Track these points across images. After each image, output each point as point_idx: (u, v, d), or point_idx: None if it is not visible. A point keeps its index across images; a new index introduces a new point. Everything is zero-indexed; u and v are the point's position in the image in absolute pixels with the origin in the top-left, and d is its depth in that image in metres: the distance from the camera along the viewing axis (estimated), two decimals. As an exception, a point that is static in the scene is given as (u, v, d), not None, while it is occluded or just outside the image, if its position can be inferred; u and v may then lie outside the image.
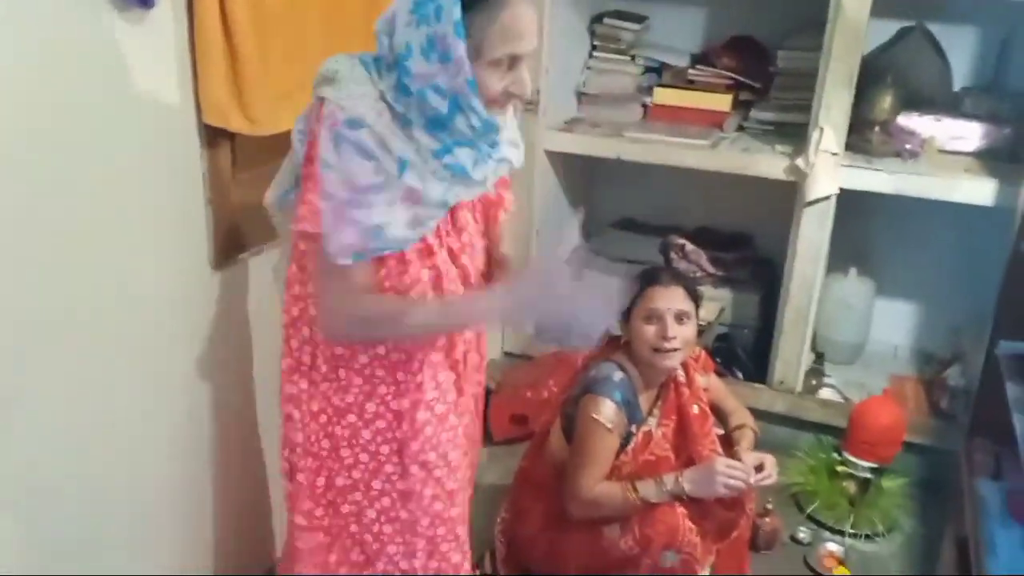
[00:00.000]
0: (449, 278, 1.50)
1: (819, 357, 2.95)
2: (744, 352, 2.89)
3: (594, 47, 3.04)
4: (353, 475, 1.57)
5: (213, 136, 1.68)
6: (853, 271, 2.91)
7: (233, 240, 1.78)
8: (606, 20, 2.99)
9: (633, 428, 2.03)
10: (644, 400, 2.07)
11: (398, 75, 1.36)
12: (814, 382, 2.84)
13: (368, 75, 1.39)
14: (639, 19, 2.98)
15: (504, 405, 2.78)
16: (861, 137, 2.61)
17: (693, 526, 2.01)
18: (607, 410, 1.97)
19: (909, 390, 2.85)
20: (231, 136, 1.72)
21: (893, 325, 3.08)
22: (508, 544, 2.18)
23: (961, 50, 2.80)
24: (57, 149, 1.38)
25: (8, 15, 1.27)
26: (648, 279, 2.06)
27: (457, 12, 1.29)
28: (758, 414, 2.79)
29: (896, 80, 2.60)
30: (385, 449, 1.56)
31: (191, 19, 1.58)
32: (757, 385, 2.81)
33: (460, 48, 1.31)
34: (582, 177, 3.27)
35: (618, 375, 2.02)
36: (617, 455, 2.03)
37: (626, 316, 2.05)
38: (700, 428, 2.10)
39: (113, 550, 1.61)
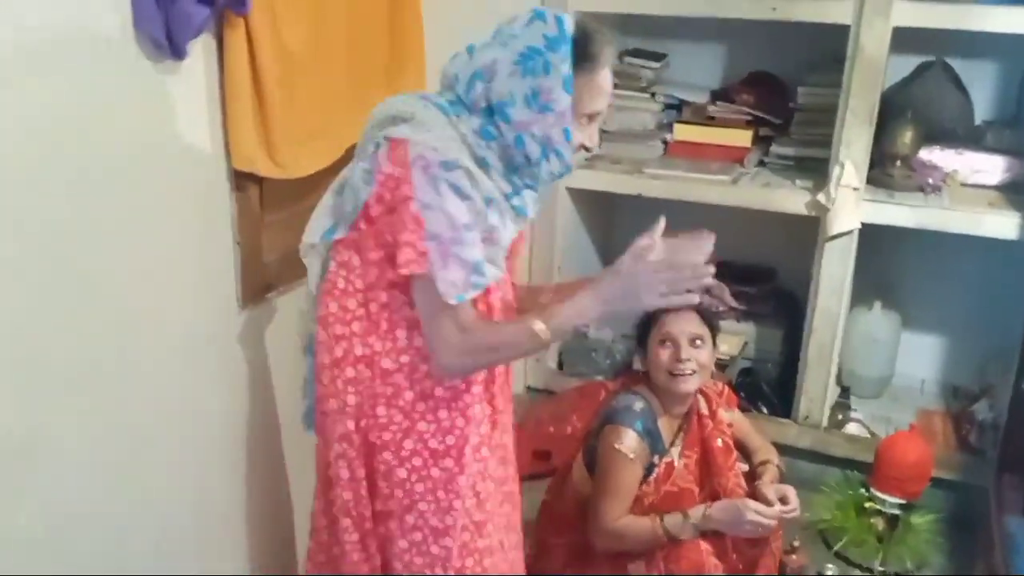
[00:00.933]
0: (496, 311, 1.57)
1: (845, 391, 2.93)
2: (768, 387, 2.88)
3: (615, 85, 3.05)
4: (389, 505, 1.59)
5: (242, 180, 1.73)
6: (878, 304, 2.90)
7: (261, 280, 1.82)
8: (626, 59, 3.03)
9: (656, 459, 2.03)
10: (666, 431, 2.08)
11: (482, 120, 1.45)
12: (840, 417, 2.82)
13: (446, 118, 1.45)
14: (658, 57, 3.02)
15: (527, 441, 2.77)
16: (883, 171, 2.62)
17: (719, 563, 2.00)
18: (629, 440, 1.98)
19: (936, 425, 2.82)
20: (259, 180, 1.77)
21: (919, 359, 3.06)
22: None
23: (982, 84, 2.81)
24: (92, 194, 1.43)
25: (48, 66, 1.32)
26: (662, 307, 2.07)
27: (567, 69, 1.41)
28: (783, 449, 2.77)
29: (917, 115, 2.61)
30: (420, 487, 1.57)
31: (221, 68, 1.63)
32: (782, 420, 2.79)
33: (565, 101, 1.42)
34: (604, 213, 3.30)
35: (639, 405, 2.03)
36: (639, 485, 2.03)
37: (642, 344, 2.07)
38: (724, 461, 2.10)
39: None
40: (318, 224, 1.56)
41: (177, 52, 1.53)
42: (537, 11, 1.44)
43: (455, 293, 1.42)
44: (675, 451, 2.08)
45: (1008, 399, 2.44)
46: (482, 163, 1.46)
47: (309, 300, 1.63)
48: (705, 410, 2.12)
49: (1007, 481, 2.42)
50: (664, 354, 2.03)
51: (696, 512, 1.98)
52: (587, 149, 1.54)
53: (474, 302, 1.49)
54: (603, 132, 3.03)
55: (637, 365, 2.09)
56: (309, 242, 1.58)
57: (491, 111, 1.46)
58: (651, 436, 2.02)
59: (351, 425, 1.56)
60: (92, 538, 1.52)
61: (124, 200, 1.49)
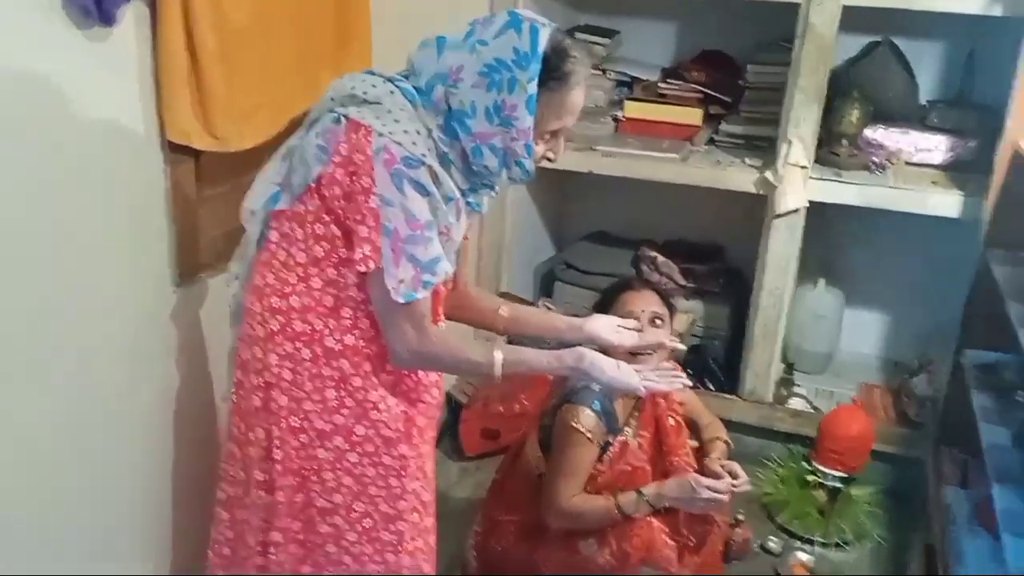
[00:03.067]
0: (440, 296, 1.56)
1: (789, 367, 2.97)
2: (715, 363, 2.91)
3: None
4: (334, 499, 1.56)
5: (177, 153, 1.67)
6: (822, 282, 2.94)
7: (197, 257, 1.77)
8: (577, 35, 3.00)
9: (611, 438, 2.03)
10: (620, 410, 2.07)
11: (446, 119, 1.42)
12: (784, 392, 2.86)
13: (413, 108, 1.42)
14: (610, 34, 3.00)
15: (475, 420, 2.77)
16: (830, 150, 2.64)
17: (670, 541, 2.02)
18: (586, 419, 1.97)
19: (878, 399, 2.87)
20: (196, 153, 1.71)
21: (862, 335, 3.12)
22: (481, 558, 2.18)
23: (927, 64, 2.84)
24: (14, 168, 1.37)
25: (-35, 33, 1.25)
26: (622, 286, 2.08)
27: (533, 88, 1.38)
28: (730, 425, 2.80)
29: (864, 94, 2.63)
30: (371, 472, 1.55)
31: (155, 35, 1.57)
32: (728, 396, 2.82)
33: (528, 120, 1.40)
34: (554, 191, 3.28)
35: (598, 384, 2.02)
36: (594, 464, 2.03)
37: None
38: (676, 440, 2.11)
39: (69, 559, 1.58)
40: (261, 190, 1.52)
41: (107, 18, 1.46)
42: (513, 18, 1.39)
43: (403, 291, 1.40)
44: (629, 431, 2.09)
45: (946, 374, 2.50)
46: (444, 159, 1.43)
47: (241, 266, 1.57)
48: None
49: (945, 454, 2.49)
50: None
51: (649, 490, 1.99)
52: (550, 160, 1.52)
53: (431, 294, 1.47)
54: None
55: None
56: (251, 208, 1.53)
57: (452, 114, 1.43)
58: (608, 416, 2.01)
59: (283, 401, 1.51)
60: (25, 520, 1.48)
61: (50, 175, 1.43)
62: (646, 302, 2.03)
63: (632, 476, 2.05)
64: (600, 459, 2.03)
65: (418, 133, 1.40)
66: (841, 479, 2.49)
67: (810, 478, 2.52)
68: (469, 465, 2.75)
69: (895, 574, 2.41)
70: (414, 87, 1.44)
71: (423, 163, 1.38)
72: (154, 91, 1.60)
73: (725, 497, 1.99)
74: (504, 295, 2.76)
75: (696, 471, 2.07)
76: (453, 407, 2.87)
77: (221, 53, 1.64)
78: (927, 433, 2.64)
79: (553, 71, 1.40)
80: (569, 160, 2.83)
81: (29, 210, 1.40)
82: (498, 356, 1.50)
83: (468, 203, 1.50)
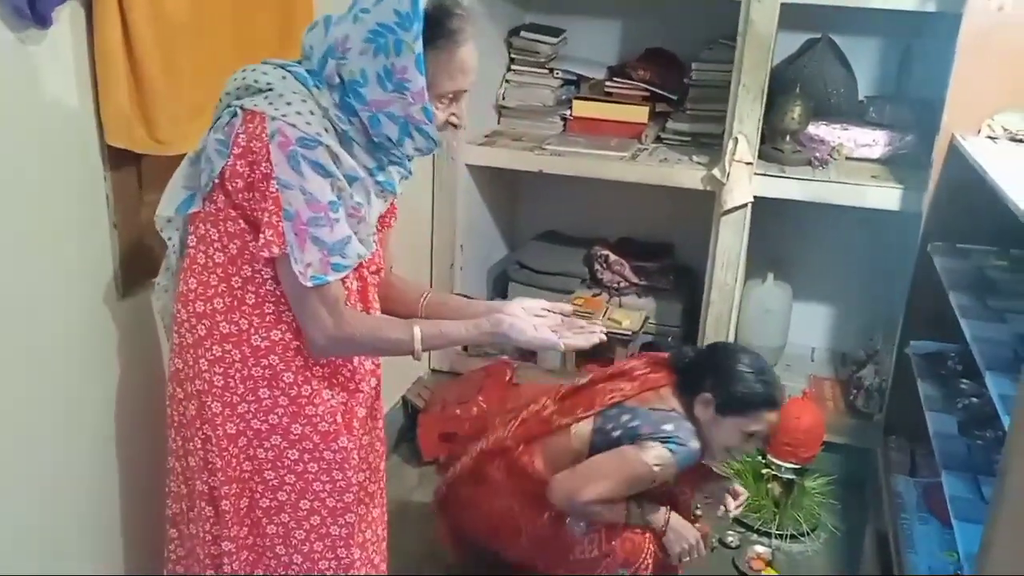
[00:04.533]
0: (368, 286, 1.54)
1: (741, 362, 3.01)
2: (669, 360, 2.92)
3: (512, 60, 3.05)
4: (279, 496, 1.54)
5: (118, 157, 1.61)
6: (771, 277, 2.98)
7: (141, 264, 1.71)
8: (523, 34, 3.01)
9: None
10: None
11: (341, 95, 1.39)
12: (737, 387, 2.89)
13: (306, 89, 1.39)
14: (556, 33, 3.01)
15: (433, 424, 2.74)
16: (773, 146, 2.69)
17: (655, 551, 2.01)
18: (665, 465, 1.91)
19: (828, 391, 2.93)
20: (137, 157, 1.66)
21: (811, 328, 3.18)
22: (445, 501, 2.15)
23: (866, 60, 2.91)
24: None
25: None
26: (769, 403, 1.96)
27: (419, 47, 1.35)
28: (684, 421, 2.83)
29: (804, 90, 2.68)
30: (313, 467, 1.53)
31: (91, 36, 1.52)
32: (682, 392, 2.84)
33: (420, 81, 1.37)
34: (505, 190, 3.28)
35: (695, 445, 1.95)
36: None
37: (723, 411, 1.96)
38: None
39: (15, 569, 1.52)
40: (173, 195, 1.49)
41: (41, 20, 1.41)
42: None
43: (311, 274, 1.38)
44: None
45: (892, 364, 2.56)
46: (344, 138, 1.41)
47: (168, 277, 1.55)
48: None
49: (893, 443, 2.54)
50: (740, 440, 1.98)
51: (663, 515, 1.99)
52: (455, 127, 1.49)
53: (343, 280, 1.45)
54: (502, 108, 3.07)
55: (699, 411, 1.98)
56: (164, 215, 1.51)
57: (345, 87, 1.40)
58: (680, 470, 1.97)
59: (217, 408, 1.48)
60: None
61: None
62: (770, 425, 1.98)
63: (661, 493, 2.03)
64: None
65: (311, 113, 1.37)
66: (795, 471, 2.52)
67: (764, 471, 2.55)
68: (428, 470, 2.73)
69: (850, 562, 2.45)
70: (307, 70, 1.42)
71: (319, 142, 1.35)
72: (92, 94, 1.54)
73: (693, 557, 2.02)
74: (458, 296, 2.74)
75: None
76: (410, 412, 2.84)
77: (160, 51, 1.59)
78: (875, 423, 2.69)
79: (438, 29, 1.38)
80: (519, 159, 2.84)
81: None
82: (417, 331, 1.47)
83: (378, 183, 1.47)
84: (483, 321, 1.54)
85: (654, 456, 1.90)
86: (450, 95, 1.44)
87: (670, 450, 1.91)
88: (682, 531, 1.99)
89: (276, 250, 1.36)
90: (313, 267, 1.37)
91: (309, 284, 1.38)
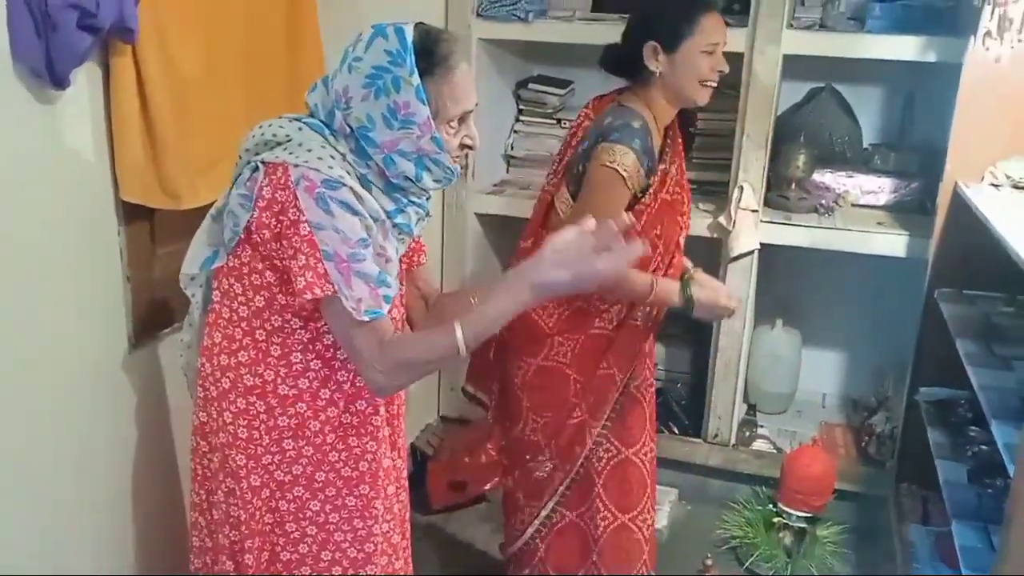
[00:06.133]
0: (397, 325, 1.53)
1: (751, 408, 3.00)
2: (678, 406, 2.92)
3: (520, 111, 3.10)
4: (300, 549, 1.54)
5: (132, 212, 1.66)
6: (779, 322, 2.98)
7: (154, 317, 1.75)
8: (531, 86, 3.06)
9: (651, 179, 1.92)
10: (656, 146, 1.95)
11: (356, 142, 1.42)
12: (748, 433, 2.88)
13: (323, 137, 1.42)
14: (563, 84, 3.06)
15: (442, 472, 2.74)
16: (779, 193, 2.71)
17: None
18: (626, 158, 1.82)
19: (838, 437, 2.91)
20: (151, 211, 1.70)
21: (821, 374, 3.16)
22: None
23: (869, 108, 2.94)
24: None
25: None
26: (703, 4, 1.88)
27: (417, 79, 1.38)
28: (694, 468, 2.82)
29: (809, 139, 2.71)
30: (335, 517, 1.53)
31: (107, 95, 1.57)
32: (693, 439, 2.84)
33: (424, 112, 1.39)
34: (513, 239, 3.28)
35: (637, 122, 1.87)
36: (638, 201, 1.91)
37: (671, 45, 1.86)
38: (686, 180, 2.09)
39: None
40: (197, 253, 1.52)
41: (59, 81, 1.46)
42: (377, 27, 1.41)
43: (364, 309, 1.37)
44: (667, 160, 1.98)
45: (902, 411, 2.54)
46: (364, 182, 1.43)
47: (191, 331, 1.57)
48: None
49: (905, 490, 2.52)
50: (706, 62, 1.86)
51: (685, 288, 1.92)
52: (470, 148, 1.50)
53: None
54: (511, 158, 3.11)
55: (654, 65, 1.86)
56: (189, 272, 1.53)
57: (356, 135, 1.43)
58: (648, 155, 1.88)
59: (241, 460, 1.49)
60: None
61: (5, 237, 1.41)
62: (724, 32, 1.87)
63: (672, 206, 1.98)
64: (642, 197, 1.91)
65: (332, 158, 1.40)
66: (806, 519, 2.50)
67: (776, 520, 2.53)
68: (437, 519, 2.72)
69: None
70: (320, 120, 1.45)
71: (343, 183, 1.37)
72: (108, 151, 1.59)
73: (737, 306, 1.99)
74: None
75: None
76: (419, 459, 2.84)
77: (174, 110, 1.65)
78: (888, 470, 2.67)
79: (430, 58, 1.40)
80: (526, 208, 2.85)
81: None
82: (457, 328, 1.39)
83: (396, 225, 1.48)
84: (513, 287, 1.39)
85: (610, 159, 1.82)
86: (458, 118, 1.46)
87: (620, 142, 1.82)
88: (709, 297, 1.94)
89: (319, 291, 1.36)
90: (365, 302, 1.37)
91: (365, 319, 1.37)
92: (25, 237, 1.46)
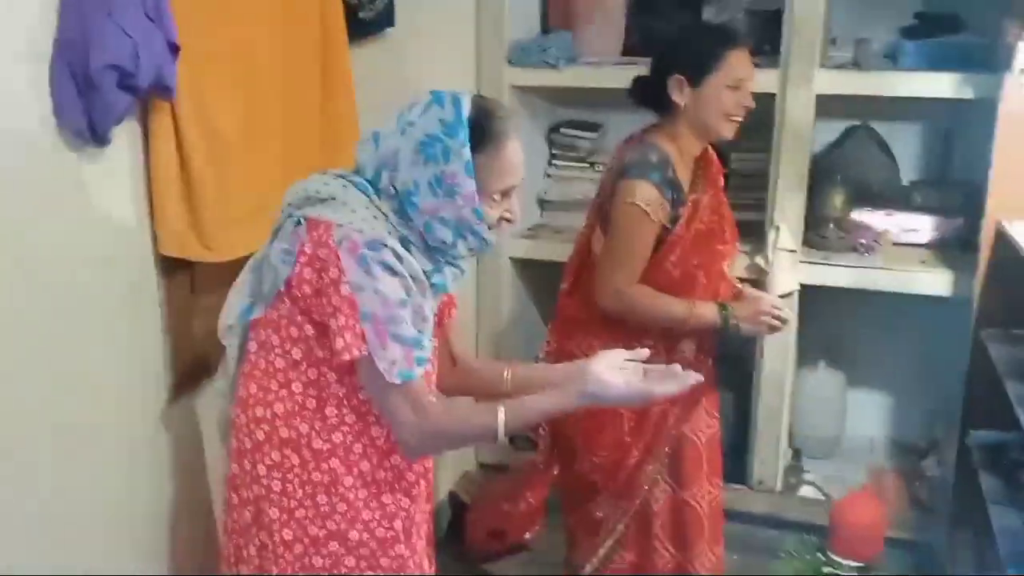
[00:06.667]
0: (428, 382, 1.53)
1: (796, 453, 2.93)
2: (721, 452, 2.86)
3: (553, 156, 3.12)
4: None
5: (170, 265, 1.69)
6: (823, 364, 2.92)
7: (193, 368, 1.77)
8: (563, 130, 3.08)
9: (680, 210, 1.95)
10: (684, 175, 1.98)
11: (399, 203, 1.44)
12: (793, 480, 2.81)
13: (367, 197, 1.44)
14: (594, 127, 3.07)
15: (481, 520, 2.71)
16: (818, 233, 2.67)
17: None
18: (644, 192, 1.87)
19: (888, 482, 2.82)
20: (190, 264, 1.73)
21: (867, 416, 3.08)
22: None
23: (906, 145, 2.90)
24: (12, 287, 1.38)
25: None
26: (730, 40, 1.92)
27: (467, 153, 1.40)
28: (739, 516, 2.75)
29: (846, 177, 2.68)
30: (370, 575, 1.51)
31: (146, 151, 1.61)
32: (736, 486, 2.77)
33: (470, 185, 1.41)
34: (548, 282, 3.28)
35: (655, 156, 1.92)
36: (669, 232, 1.94)
37: (696, 80, 1.89)
38: (726, 206, 2.08)
39: None
40: (235, 304, 1.53)
41: (100, 140, 1.50)
42: (435, 95, 1.44)
43: (397, 371, 1.39)
44: (698, 190, 2.00)
45: (953, 455, 2.46)
46: (405, 242, 1.45)
47: (227, 382, 1.58)
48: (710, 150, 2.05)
49: (959, 538, 2.42)
50: (731, 97, 1.89)
51: (725, 309, 1.93)
52: (509, 221, 1.52)
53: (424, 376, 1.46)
54: (544, 202, 3.12)
55: (679, 98, 1.90)
56: (227, 323, 1.54)
57: (400, 197, 1.45)
58: (671, 186, 1.91)
59: (275, 513, 1.48)
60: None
61: (42, 288, 1.44)
62: (751, 68, 1.90)
63: (710, 235, 1.99)
64: (674, 228, 1.94)
65: (375, 219, 1.42)
66: (857, 569, 2.42)
67: (826, 570, 2.46)
68: (477, 568, 2.68)
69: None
70: (365, 179, 1.47)
71: (385, 245, 1.39)
72: (147, 205, 1.63)
73: (787, 318, 1.97)
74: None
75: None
76: (457, 507, 2.81)
77: (211, 164, 1.68)
78: (940, 517, 2.57)
79: (483, 134, 1.42)
80: (560, 252, 2.85)
81: (23, 326, 1.41)
82: (501, 413, 1.44)
83: (433, 284, 1.49)
84: (569, 386, 1.50)
85: (629, 196, 1.86)
86: (501, 193, 1.48)
87: (636, 177, 1.86)
88: (749, 309, 1.94)
89: (356, 352, 1.37)
90: (398, 364, 1.38)
91: (397, 381, 1.38)
92: (65, 290, 1.49)
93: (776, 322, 1.97)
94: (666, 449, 2.04)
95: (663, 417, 2.02)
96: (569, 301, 2.12)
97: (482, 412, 1.48)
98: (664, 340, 1.98)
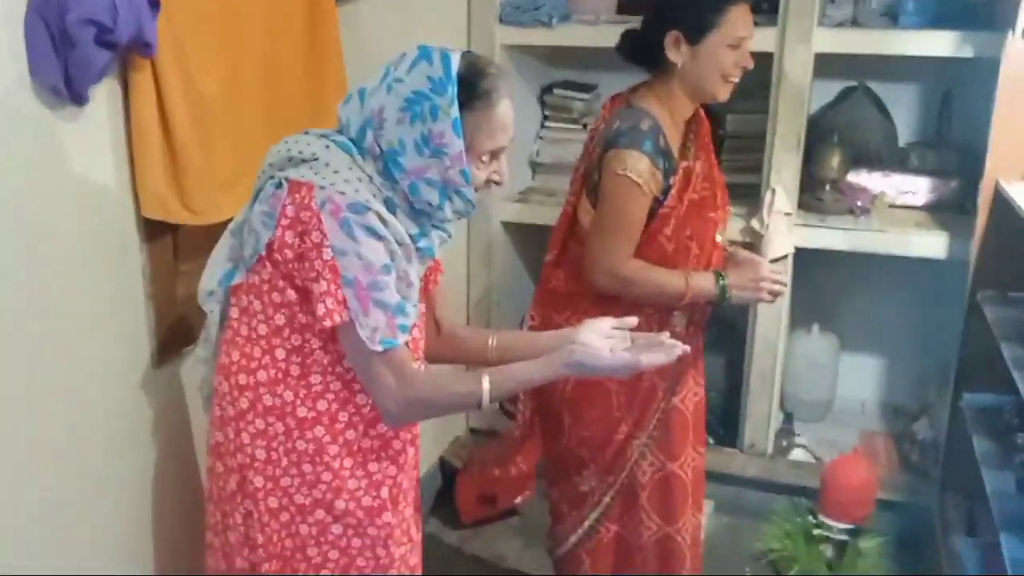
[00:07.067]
0: (418, 348, 1.51)
1: (788, 417, 2.93)
2: (713, 416, 2.85)
3: (546, 117, 3.07)
4: (322, 574, 1.50)
5: (153, 228, 1.64)
6: (816, 328, 2.91)
7: (176, 334, 1.73)
8: (556, 91, 3.03)
9: (671, 180, 1.84)
10: (674, 142, 1.87)
11: (384, 164, 1.40)
12: (784, 443, 2.81)
13: (350, 157, 1.40)
14: (588, 89, 3.02)
15: (472, 485, 2.71)
16: (813, 195, 2.64)
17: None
18: (639, 164, 1.76)
19: (879, 445, 2.83)
20: (173, 227, 1.68)
21: (859, 380, 3.08)
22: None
23: (904, 106, 2.87)
24: (-14, 252, 1.34)
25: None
26: None
27: (455, 111, 1.35)
28: (730, 479, 2.76)
29: (843, 139, 2.64)
30: (357, 543, 1.49)
31: (127, 111, 1.56)
32: (728, 449, 2.77)
33: (459, 145, 1.37)
34: (539, 246, 3.25)
35: (646, 123, 1.80)
36: (660, 204, 1.84)
37: (695, 37, 1.79)
38: (719, 171, 2.00)
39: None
40: (216, 269, 1.49)
41: (77, 98, 1.45)
42: (422, 50, 1.38)
43: (379, 338, 1.36)
44: (690, 156, 1.90)
45: (946, 418, 2.46)
46: (390, 204, 1.41)
47: (208, 348, 1.54)
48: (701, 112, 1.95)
49: (950, 500, 2.43)
50: (730, 56, 1.79)
51: (722, 278, 1.85)
52: (497, 184, 1.48)
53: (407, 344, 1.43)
54: (537, 165, 3.07)
55: (675, 56, 1.79)
56: (207, 289, 1.50)
57: (385, 157, 1.41)
58: (663, 155, 1.80)
59: (259, 482, 1.46)
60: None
61: (22, 252, 1.40)
62: (751, 27, 1.79)
63: (702, 204, 1.90)
64: (665, 200, 1.84)
65: (359, 180, 1.37)
66: (848, 531, 2.43)
67: (816, 532, 2.46)
68: (467, 532, 2.68)
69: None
70: (348, 139, 1.42)
71: (369, 208, 1.35)
72: (128, 167, 1.58)
73: (782, 290, 1.90)
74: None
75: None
76: (448, 473, 2.81)
77: (194, 125, 1.63)
78: (931, 479, 2.58)
79: (473, 91, 1.38)
80: (552, 216, 2.82)
81: (1, 289, 1.37)
82: (485, 381, 1.42)
83: (419, 249, 1.45)
84: (554, 355, 1.47)
85: (620, 167, 1.76)
86: (489, 153, 1.44)
87: (628, 147, 1.76)
88: (744, 277, 1.87)
89: (338, 319, 1.35)
90: (380, 331, 1.35)
91: (379, 348, 1.35)
92: (45, 255, 1.44)
93: (776, 286, 1.90)
94: (654, 421, 2.00)
95: (652, 391, 1.97)
96: (555, 272, 2.02)
97: (466, 380, 1.45)
98: (657, 314, 1.92)
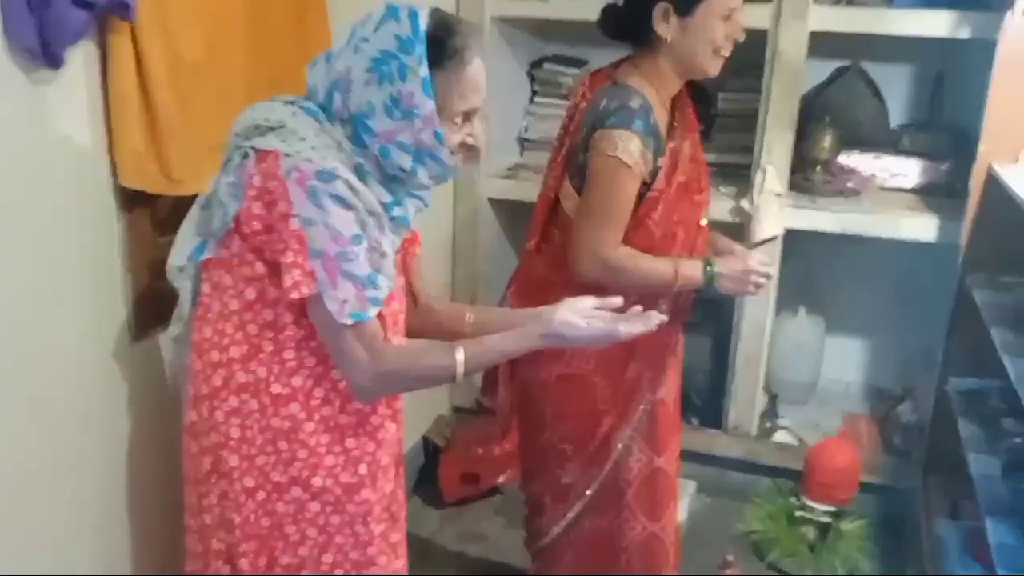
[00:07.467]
0: (398, 320, 1.48)
1: (772, 398, 2.92)
2: (698, 397, 2.85)
3: (534, 92, 3.02)
4: (300, 552, 1.47)
5: (131, 199, 1.60)
6: (803, 310, 2.90)
7: (154, 307, 1.68)
8: (545, 66, 2.98)
9: (659, 162, 1.76)
10: (661, 121, 1.79)
11: (353, 129, 1.35)
12: (768, 425, 2.81)
13: (318, 124, 1.35)
14: (579, 64, 2.97)
15: (455, 464, 2.69)
16: (804, 177, 2.62)
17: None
18: (629, 144, 1.68)
19: (863, 428, 2.83)
20: (151, 198, 1.63)
21: (844, 362, 3.08)
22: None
23: (897, 87, 2.84)
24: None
25: None
26: None
27: (425, 70, 1.30)
28: (714, 460, 2.76)
29: (835, 119, 2.62)
30: (336, 519, 1.47)
31: (104, 76, 1.50)
32: (712, 430, 2.77)
33: (429, 105, 1.32)
34: (526, 223, 3.22)
35: (636, 101, 1.71)
36: (648, 188, 1.76)
37: (686, 8, 1.70)
38: (702, 150, 1.92)
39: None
40: (184, 244, 1.44)
41: (53, 60, 1.39)
42: (389, 7, 1.33)
43: (349, 311, 1.32)
44: (676, 137, 1.82)
45: (931, 401, 2.46)
46: (360, 171, 1.36)
47: (180, 326, 1.49)
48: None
49: (933, 483, 2.44)
50: (722, 28, 1.71)
51: (711, 266, 1.79)
52: (471, 147, 1.43)
53: (379, 316, 1.39)
54: (525, 141, 3.03)
55: (664, 30, 1.70)
56: (177, 264, 1.45)
57: (354, 121, 1.36)
58: (653, 136, 1.72)
59: (234, 461, 1.42)
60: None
61: (-6, 225, 1.35)
62: None
63: (688, 188, 1.82)
64: (653, 183, 1.76)
65: (327, 147, 1.33)
66: (830, 513, 2.43)
67: (799, 513, 2.47)
68: (450, 512, 2.67)
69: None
70: (317, 104, 1.38)
71: (337, 176, 1.30)
72: (106, 134, 1.53)
73: (767, 278, 1.85)
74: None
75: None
76: (431, 452, 2.79)
77: (175, 90, 1.58)
78: (914, 462, 2.59)
79: (442, 49, 1.33)
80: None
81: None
82: (460, 354, 1.38)
83: (393, 218, 1.40)
84: (531, 326, 1.43)
85: (610, 148, 1.68)
86: (462, 115, 1.39)
87: (618, 126, 1.68)
88: (733, 267, 1.81)
89: (306, 290, 1.31)
90: (350, 304, 1.31)
91: (348, 321, 1.31)
92: (18, 225, 1.40)
93: (762, 279, 1.85)
94: (639, 414, 1.93)
95: (637, 383, 1.91)
96: (536, 260, 1.93)
97: (440, 352, 1.40)
98: (641, 302, 1.86)
